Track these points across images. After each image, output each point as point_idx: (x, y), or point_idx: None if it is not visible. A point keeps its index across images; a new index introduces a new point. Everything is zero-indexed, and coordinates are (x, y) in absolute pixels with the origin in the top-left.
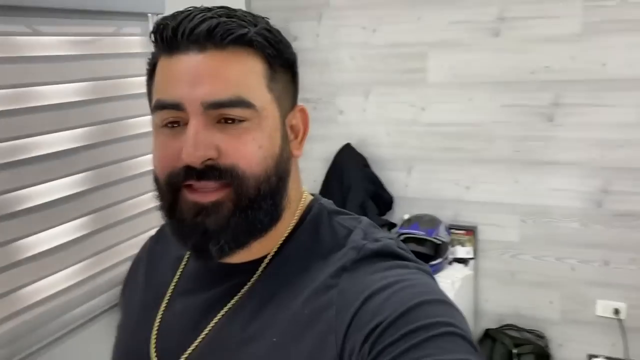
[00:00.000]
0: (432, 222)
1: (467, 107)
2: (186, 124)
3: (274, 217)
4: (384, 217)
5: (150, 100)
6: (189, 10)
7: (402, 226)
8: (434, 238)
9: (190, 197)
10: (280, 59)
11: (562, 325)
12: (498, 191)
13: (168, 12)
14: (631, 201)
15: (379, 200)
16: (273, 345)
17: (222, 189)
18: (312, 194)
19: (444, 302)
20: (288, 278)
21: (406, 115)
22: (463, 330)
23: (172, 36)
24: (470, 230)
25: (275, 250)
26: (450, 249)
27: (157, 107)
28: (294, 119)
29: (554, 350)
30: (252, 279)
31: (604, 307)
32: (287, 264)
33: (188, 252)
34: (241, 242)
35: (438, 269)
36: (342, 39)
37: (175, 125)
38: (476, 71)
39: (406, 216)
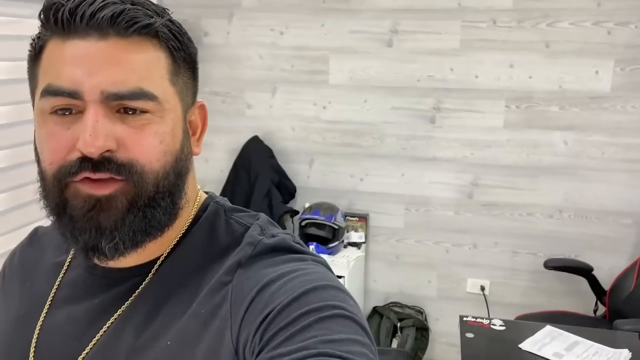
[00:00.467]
0: (330, 209)
1: (362, 107)
2: (80, 112)
3: (172, 215)
4: (288, 205)
5: (33, 82)
6: None
7: (304, 212)
8: (332, 223)
9: (83, 188)
10: (183, 52)
11: (438, 301)
12: (387, 183)
13: None
14: (495, 193)
15: (283, 189)
16: (167, 349)
17: (117, 182)
18: (207, 192)
19: (336, 287)
20: (183, 278)
21: (309, 112)
22: (353, 313)
23: (68, 18)
24: (363, 218)
25: (169, 251)
26: (346, 233)
27: (49, 92)
28: (193, 115)
29: (432, 323)
30: (145, 282)
31: (472, 285)
32: (182, 264)
33: (68, 260)
34: (137, 241)
35: (335, 250)
36: (252, 38)
37: (66, 113)
38: (371, 76)
39: (307, 204)
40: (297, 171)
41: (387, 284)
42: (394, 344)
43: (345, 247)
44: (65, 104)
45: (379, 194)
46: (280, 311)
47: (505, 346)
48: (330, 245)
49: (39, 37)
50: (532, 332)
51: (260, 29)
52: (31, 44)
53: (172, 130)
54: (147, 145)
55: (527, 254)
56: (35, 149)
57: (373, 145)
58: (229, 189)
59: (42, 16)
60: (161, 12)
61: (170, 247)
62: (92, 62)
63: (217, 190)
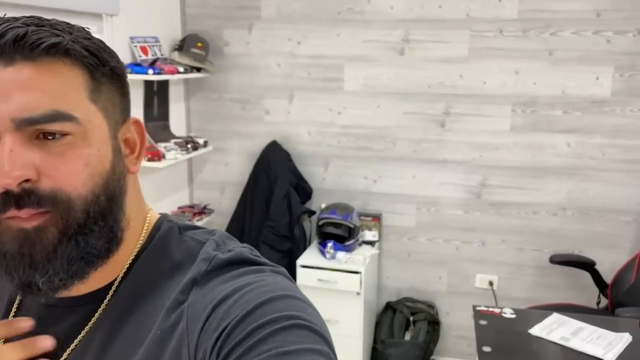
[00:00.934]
0: (346, 209)
1: (375, 113)
2: None
3: (111, 239)
4: (305, 205)
5: None
6: None
7: (321, 212)
8: (349, 222)
9: (14, 224)
10: (103, 67)
11: (448, 296)
12: (399, 184)
13: (123, 13)
14: (502, 193)
15: (301, 190)
16: None
17: (43, 214)
18: (160, 213)
19: (293, 297)
20: (139, 301)
21: (325, 117)
22: (310, 322)
23: None
24: (376, 217)
25: (122, 275)
26: (360, 232)
27: None
28: (128, 132)
29: (442, 317)
30: (99, 310)
31: (481, 280)
32: (137, 286)
33: (19, 295)
34: (74, 272)
35: (351, 248)
36: (270, 47)
37: None
38: (384, 83)
39: (323, 205)
40: (314, 173)
41: (399, 280)
42: (407, 337)
43: (360, 245)
44: None
45: (391, 195)
46: (236, 326)
47: (515, 332)
48: (347, 243)
49: None
50: (540, 319)
51: (279, 39)
52: None
53: (98, 151)
54: (71, 171)
55: (532, 250)
56: None
57: (386, 148)
58: (249, 191)
59: None
60: (71, 29)
61: (123, 270)
62: (1, 90)
63: (237, 192)
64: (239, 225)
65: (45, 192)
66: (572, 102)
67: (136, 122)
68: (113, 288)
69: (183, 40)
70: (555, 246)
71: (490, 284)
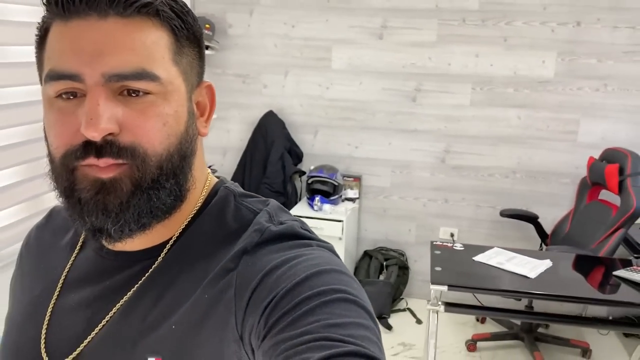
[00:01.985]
0: (332, 169)
1: (358, 88)
2: (84, 95)
3: (178, 197)
4: (297, 167)
5: (40, 67)
6: None
7: (311, 172)
8: (334, 180)
9: (90, 172)
10: (187, 31)
11: (416, 246)
12: (377, 150)
13: None
14: (463, 158)
15: (293, 154)
16: (172, 332)
17: (122, 166)
18: (218, 177)
19: (340, 271)
20: (190, 263)
21: (315, 92)
22: (356, 297)
23: (69, 0)
24: (357, 178)
25: (177, 235)
26: (343, 190)
27: (52, 77)
28: (200, 96)
29: (411, 264)
30: (153, 266)
31: (444, 232)
32: (190, 248)
33: (80, 241)
34: (142, 223)
35: (335, 202)
36: (268, 30)
37: (70, 97)
38: (365, 63)
39: (312, 167)
40: (304, 140)
41: (375, 232)
42: (381, 279)
43: (342, 201)
44: (67, 87)
45: (370, 159)
46: (284, 296)
47: (462, 259)
48: (332, 198)
49: (43, 22)
50: (483, 251)
51: (276, 23)
52: (37, 30)
53: (175, 111)
54: (150, 128)
55: (487, 207)
56: (45, 133)
57: (366, 119)
58: (248, 154)
59: (44, 0)
60: None
61: (179, 230)
62: (93, 44)
63: (238, 154)
64: (238, 183)
65: (125, 144)
66: (522, 82)
67: (209, 86)
68: (168, 246)
69: None
70: (506, 204)
71: (452, 235)
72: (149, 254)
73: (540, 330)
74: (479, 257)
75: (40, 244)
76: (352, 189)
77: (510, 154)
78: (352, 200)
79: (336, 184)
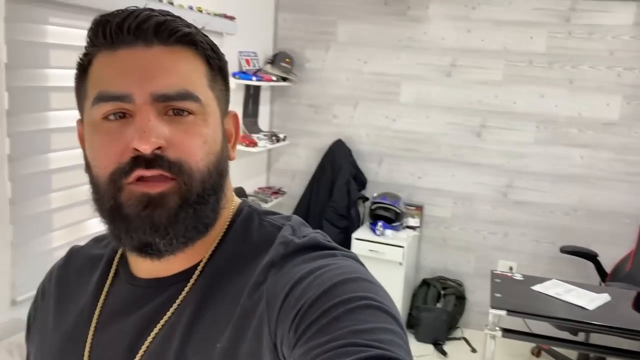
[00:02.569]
0: (395, 197)
1: (424, 122)
2: (131, 116)
3: (216, 213)
4: (361, 192)
5: (81, 97)
6: (132, 8)
7: (374, 198)
8: (396, 207)
9: (138, 188)
10: (218, 61)
11: (475, 277)
12: (440, 181)
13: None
14: (525, 194)
15: (358, 180)
16: (212, 352)
17: (168, 181)
18: (241, 199)
19: (365, 279)
20: (222, 282)
21: (381, 123)
22: (382, 303)
23: (117, 31)
24: (419, 207)
25: (207, 256)
26: (405, 219)
27: (101, 99)
28: (228, 123)
29: (468, 294)
30: (186, 289)
31: (503, 265)
32: (220, 268)
33: (111, 275)
34: (188, 238)
35: (397, 229)
36: (342, 65)
37: (118, 117)
38: (432, 98)
39: (375, 194)
40: (369, 168)
41: (435, 262)
42: (438, 306)
43: (404, 228)
44: (116, 108)
45: (433, 190)
46: (312, 304)
47: (521, 288)
48: (394, 224)
49: (86, 54)
50: (542, 282)
51: (349, 59)
52: (79, 61)
53: (213, 132)
54: (193, 146)
55: (547, 243)
56: (86, 158)
57: (430, 151)
58: (316, 179)
59: (90, 33)
60: (195, 26)
61: (210, 252)
62: (142, 68)
63: (306, 178)
64: (305, 206)
65: (173, 159)
66: (586, 123)
67: (234, 115)
68: (199, 267)
69: (275, 56)
70: (566, 241)
71: (510, 268)
72: (181, 277)
73: None
74: (537, 287)
75: (64, 283)
76: (413, 217)
77: (572, 192)
78: (413, 228)
79: (398, 211)
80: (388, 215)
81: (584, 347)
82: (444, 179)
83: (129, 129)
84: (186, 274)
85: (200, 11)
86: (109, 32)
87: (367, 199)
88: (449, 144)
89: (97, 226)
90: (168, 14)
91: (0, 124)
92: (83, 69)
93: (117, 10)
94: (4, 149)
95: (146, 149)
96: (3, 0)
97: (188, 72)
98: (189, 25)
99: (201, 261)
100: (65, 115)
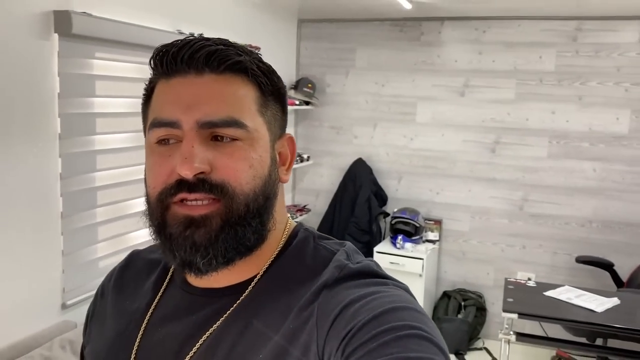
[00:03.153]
0: (414, 212)
1: (440, 140)
2: (180, 141)
3: (261, 235)
4: (382, 208)
5: (144, 121)
6: (189, 38)
7: (394, 213)
8: (415, 222)
9: (180, 210)
10: (271, 87)
11: (494, 289)
12: (457, 197)
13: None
14: (540, 207)
15: (379, 197)
16: None
17: (212, 204)
18: (297, 222)
19: (414, 309)
20: (274, 299)
21: (400, 142)
22: (430, 334)
23: (171, 61)
24: (438, 222)
25: (261, 272)
26: (424, 233)
27: (154, 125)
28: (282, 147)
29: (489, 306)
30: (238, 302)
31: (521, 277)
32: (273, 285)
33: (167, 280)
34: (228, 258)
35: (417, 242)
36: (361, 88)
37: (169, 142)
38: (448, 117)
39: (395, 209)
40: (389, 185)
41: (454, 274)
42: (459, 317)
43: (423, 242)
44: (166, 134)
45: (450, 204)
46: (361, 328)
47: (533, 293)
48: (414, 238)
49: (150, 82)
50: (554, 288)
51: (368, 82)
52: (144, 89)
53: (260, 156)
54: (238, 169)
55: (564, 254)
56: (145, 177)
57: (447, 167)
58: (339, 196)
59: (151, 63)
60: (250, 52)
61: (264, 269)
62: (190, 96)
63: (329, 196)
64: (329, 222)
65: (216, 182)
66: (597, 137)
67: (290, 138)
68: (252, 284)
69: (297, 82)
70: (582, 252)
71: (529, 279)
72: (233, 290)
73: None
74: (549, 293)
75: (123, 284)
76: (432, 231)
77: (587, 204)
78: (432, 242)
79: (418, 225)
80: (408, 229)
81: (598, 350)
82: (461, 194)
83: (176, 154)
84: (239, 288)
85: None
86: (166, 62)
87: (387, 214)
88: (465, 161)
89: (137, 238)
90: (222, 42)
91: (53, 146)
92: (147, 96)
93: (175, 41)
94: (57, 169)
95: (187, 174)
96: (56, 38)
97: (236, 99)
98: (243, 53)
99: (255, 277)
100: (109, 139)
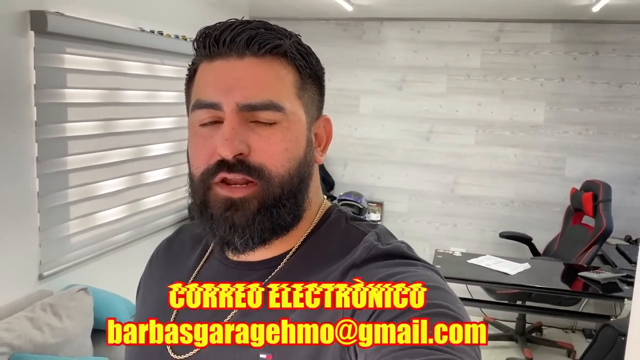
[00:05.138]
0: (358, 194)
1: (381, 129)
2: (221, 122)
3: (296, 216)
4: (329, 193)
5: (187, 101)
6: (231, 21)
7: (340, 196)
8: (359, 203)
9: (221, 192)
10: (309, 70)
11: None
12: (396, 181)
13: None
14: (469, 189)
15: (326, 183)
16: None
17: (250, 187)
18: (332, 203)
19: (443, 289)
20: (304, 274)
21: (345, 132)
22: (457, 314)
23: (214, 43)
24: (380, 204)
25: (294, 249)
26: (368, 214)
27: (197, 106)
28: (319, 128)
29: None
30: (273, 273)
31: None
32: (304, 261)
33: (207, 252)
34: (265, 238)
35: None
36: None
37: (210, 124)
38: (387, 109)
39: (341, 193)
40: (336, 171)
41: None
42: None
43: None
44: (209, 116)
45: (391, 188)
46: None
47: (459, 261)
48: None
49: (192, 63)
50: (477, 257)
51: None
52: (187, 70)
53: (296, 139)
54: (275, 152)
55: (490, 231)
56: (187, 156)
57: (387, 155)
58: None
59: (194, 45)
60: (290, 35)
61: (297, 245)
62: (231, 79)
63: None
64: None
65: (254, 165)
66: (517, 126)
67: (327, 119)
68: (286, 258)
69: None
70: (506, 228)
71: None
72: (267, 264)
73: (533, 334)
74: (472, 260)
75: (170, 254)
76: (375, 212)
77: (509, 186)
78: (374, 222)
79: (361, 207)
80: (353, 211)
81: (517, 308)
82: (400, 178)
83: (217, 135)
84: (272, 262)
85: None
86: (208, 45)
87: (334, 197)
88: (402, 148)
89: (106, 217)
90: (263, 25)
91: (29, 132)
92: (189, 77)
93: (218, 23)
94: (33, 152)
95: (227, 155)
96: (32, 35)
97: (275, 82)
98: (282, 36)
99: (288, 252)
100: (79, 126)
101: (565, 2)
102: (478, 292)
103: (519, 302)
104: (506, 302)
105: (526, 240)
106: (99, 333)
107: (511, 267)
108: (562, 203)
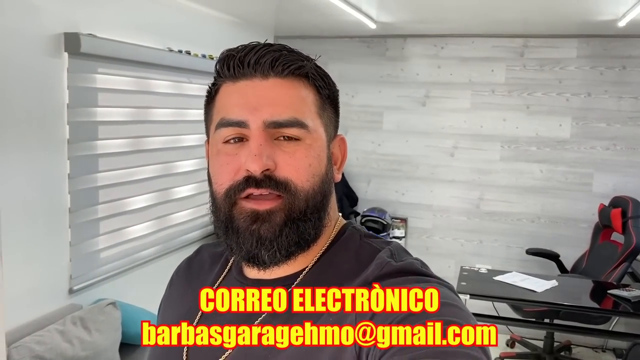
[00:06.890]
0: (382, 211)
1: (404, 145)
2: (246, 140)
3: (319, 231)
4: (353, 209)
5: (208, 121)
6: (253, 44)
7: (364, 212)
8: (383, 220)
9: (247, 205)
10: (328, 91)
11: (455, 280)
12: (420, 197)
13: None
14: (495, 205)
15: (350, 198)
16: (299, 349)
17: (275, 199)
18: (347, 220)
19: (456, 306)
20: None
21: (369, 148)
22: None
23: (239, 65)
24: (404, 220)
25: (310, 266)
26: (391, 230)
27: (222, 124)
28: (335, 147)
29: None
30: (289, 291)
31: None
32: (319, 279)
33: (225, 271)
34: (291, 252)
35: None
36: None
37: (236, 141)
38: (411, 125)
39: (365, 209)
40: (359, 187)
41: None
42: None
43: (391, 238)
44: (234, 133)
45: (414, 204)
46: (401, 321)
47: (485, 278)
48: (382, 234)
49: (214, 84)
50: (503, 274)
51: (339, 94)
52: (208, 91)
53: (318, 155)
54: (299, 167)
55: (516, 247)
56: (208, 175)
57: (411, 170)
58: None
59: (217, 66)
60: (308, 58)
61: (312, 262)
62: (257, 98)
63: None
64: None
65: (280, 179)
66: (543, 141)
67: (342, 139)
68: (302, 275)
69: None
70: (532, 244)
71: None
72: (283, 282)
73: (562, 354)
74: (498, 277)
75: (189, 273)
76: (399, 229)
77: (535, 202)
78: (398, 238)
79: (385, 223)
80: (376, 227)
81: (544, 327)
82: (424, 194)
83: (244, 152)
84: (288, 280)
85: None
86: (233, 66)
87: (358, 213)
88: (426, 164)
89: (134, 233)
90: (284, 48)
91: (62, 149)
92: (210, 96)
93: (240, 46)
94: (65, 169)
95: (256, 170)
96: (66, 56)
97: (298, 101)
98: (303, 58)
99: (302, 270)
100: (109, 144)
101: (590, 18)
102: (505, 310)
103: (546, 320)
104: (533, 319)
105: (553, 257)
106: (126, 347)
107: (538, 284)
108: (590, 219)
